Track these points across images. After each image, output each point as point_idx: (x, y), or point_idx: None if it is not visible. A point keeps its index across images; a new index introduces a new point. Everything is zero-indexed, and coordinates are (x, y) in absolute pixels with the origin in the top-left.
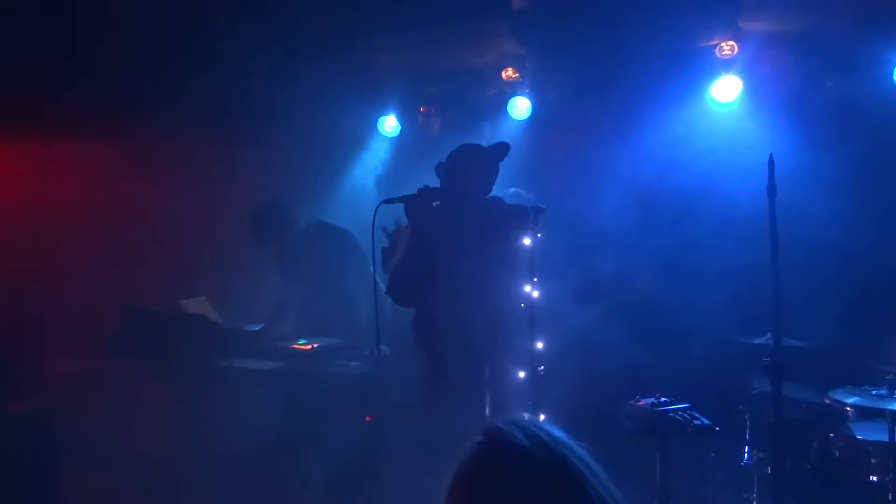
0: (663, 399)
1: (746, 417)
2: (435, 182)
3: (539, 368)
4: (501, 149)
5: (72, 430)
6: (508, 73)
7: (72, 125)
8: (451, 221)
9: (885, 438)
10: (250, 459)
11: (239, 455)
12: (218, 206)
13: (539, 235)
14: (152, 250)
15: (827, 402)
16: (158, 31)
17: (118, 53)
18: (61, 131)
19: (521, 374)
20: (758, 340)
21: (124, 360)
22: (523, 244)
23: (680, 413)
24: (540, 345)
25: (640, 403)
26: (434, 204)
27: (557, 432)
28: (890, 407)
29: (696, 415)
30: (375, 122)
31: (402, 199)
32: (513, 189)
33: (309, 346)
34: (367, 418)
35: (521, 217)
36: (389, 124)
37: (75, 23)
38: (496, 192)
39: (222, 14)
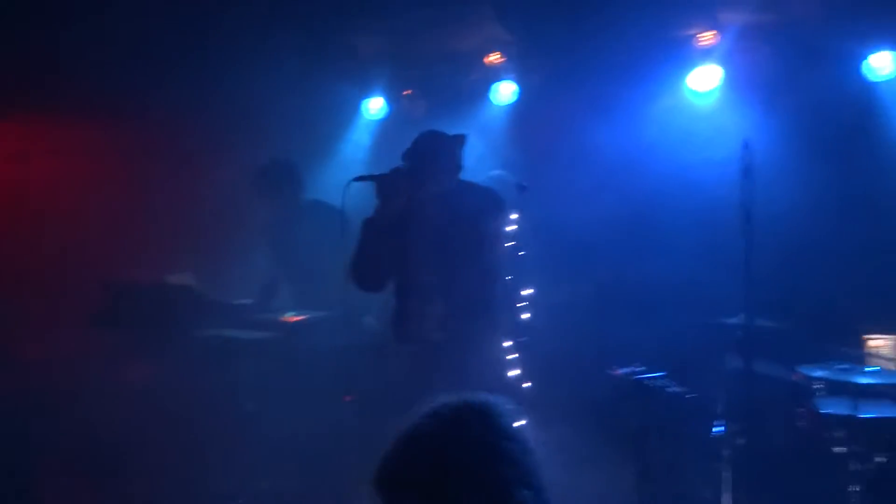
0: (640, 369)
1: (720, 392)
2: None
3: (521, 339)
4: (460, 138)
5: (58, 408)
6: (491, 59)
7: (56, 105)
8: (422, 203)
9: (847, 412)
10: (229, 430)
11: (218, 426)
12: (203, 186)
13: (522, 212)
14: (137, 230)
15: (795, 378)
16: (144, 12)
17: (102, 32)
18: (45, 111)
19: (505, 345)
20: (732, 320)
21: (109, 336)
22: (499, 223)
23: (655, 381)
24: (525, 316)
25: (618, 372)
26: (404, 185)
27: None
28: (853, 380)
29: (671, 383)
30: (359, 104)
31: (373, 177)
32: (496, 171)
33: (295, 318)
34: (347, 398)
35: (490, 198)
36: (374, 106)
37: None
38: (479, 174)
39: None
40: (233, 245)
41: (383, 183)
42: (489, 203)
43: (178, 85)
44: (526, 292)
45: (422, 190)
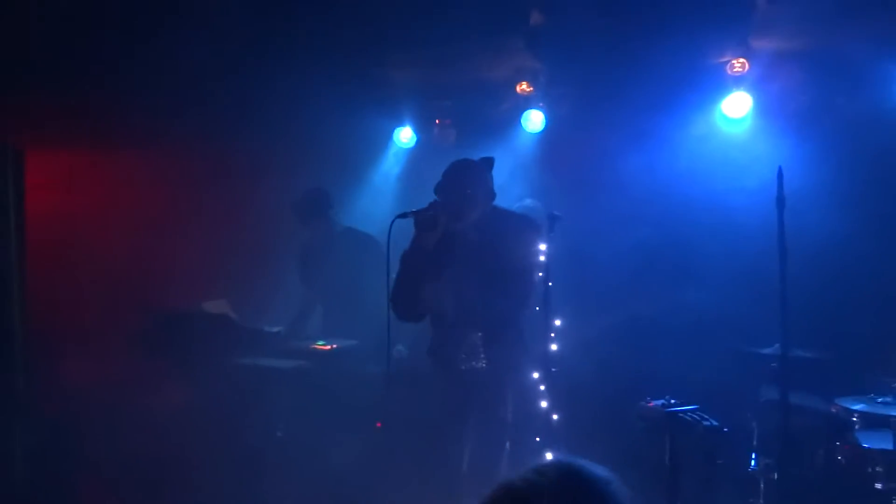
0: (673, 401)
1: (754, 424)
2: None
3: (552, 370)
4: (489, 160)
5: (97, 431)
6: (523, 87)
7: (96, 134)
8: (458, 233)
9: (891, 446)
10: (264, 457)
11: (254, 452)
12: (239, 214)
13: (553, 242)
14: (173, 255)
15: (834, 410)
16: (185, 42)
17: (144, 62)
18: (87, 140)
19: (535, 376)
20: (766, 350)
21: (148, 361)
22: (534, 251)
23: (689, 413)
24: (554, 347)
25: (651, 404)
26: (442, 218)
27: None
28: (894, 413)
29: (705, 416)
30: (391, 133)
31: (414, 213)
32: (527, 200)
33: (328, 347)
34: (378, 424)
35: (528, 226)
36: (405, 136)
37: (103, 33)
38: (510, 203)
39: (249, 28)
40: (267, 273)
41: (421, 217)
42: (524, 229)
43: (219, 116)
44: (556, 322)
45: (458, 220)
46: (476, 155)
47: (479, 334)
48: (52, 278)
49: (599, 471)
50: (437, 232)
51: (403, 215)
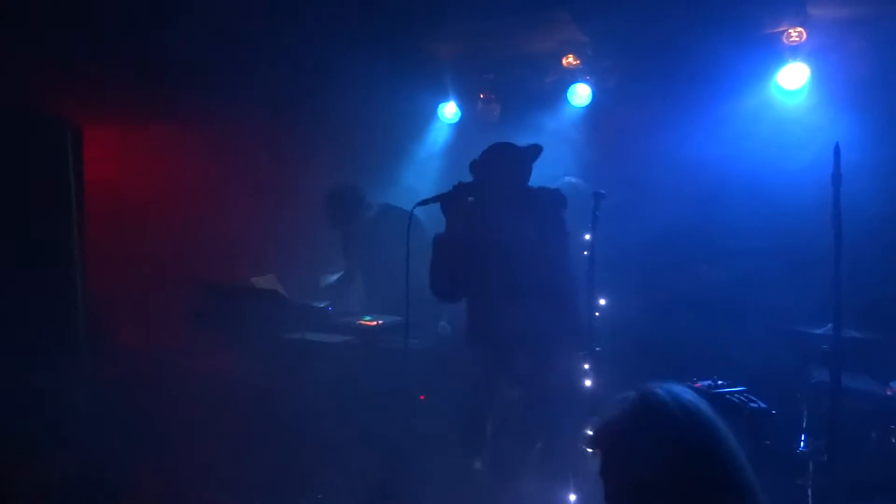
0: (720, 382)
1: (804, 406)
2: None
3: (596, 349)
4: (534, 150)
5: (152, 398)
6: (569, 60)
7: (153, 109)
8: (486, 216)
9: None
10: (311, 430)
11: (298, 426)
12: (289, 189)
13: (599, 220)
14: (223, 230)
15: (889, 393)
16: (232, 18)
17: (193, 40)
18: (143, 115)
19: (580, 355)
20: (818, 330)
21: (201, 334)
22: (566, 228)
23: (736, 395)
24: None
25: (697, 385)
26: (469, 199)
27: (707, 409)
28: None
29: (753, 398)
30: (436, 108)
31: (437, 198)
32: (567, 178)
33: (374, 323)
34: (422, 397)
35: (551, 198)
36: (449, 111)
37: (150, 11)
38: (552, 180)
39: (297, 3)
40: (315, 249)
41: (446, 201)
42: (550, 202)
43: (265, 94)
44: (600, 301)
45: (487, 201)
46: (521, 130)
47: (511, 311)
48: (109, 249)
49: (681, 397)
50: (464, 214)
51: (424, 202)
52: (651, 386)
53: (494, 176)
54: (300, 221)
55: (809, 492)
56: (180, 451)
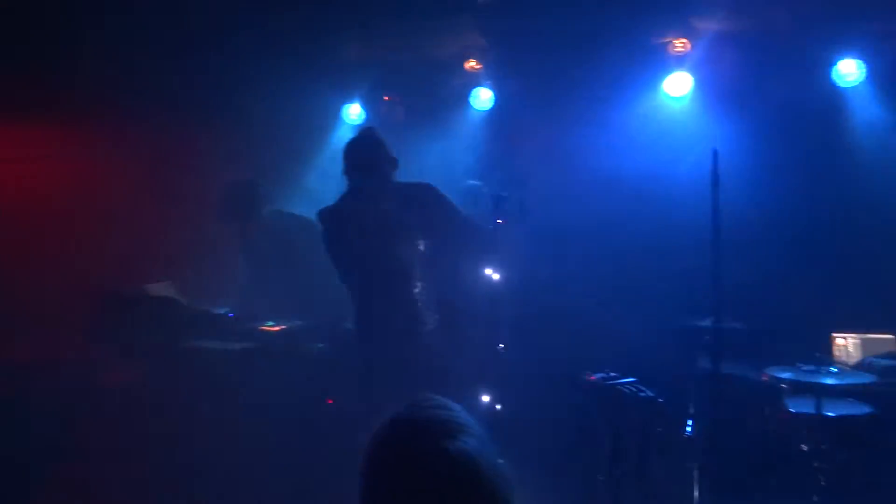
0: (612, 374)
1: (691, 394)
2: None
3: (499, 347)
4: (372, 138)
5: (48, 410)
6: (471, 64)
7: (37, 111)
8: (357, 211)
9: (814, 411)
10: (216, 440)
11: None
12: (182, 193)
13: (500, 222)
14: (117, 237)
15: (764, 378)
16: (126, 18)
17: (83, 40)
18: (26, 117)
19: (479, 354)
20: (703, 323)
21: (97, 344)
22: (430, 213)
23: (627, 386)
24: (500, 326)
25: (591, 378)
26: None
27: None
28: (818, 381)
29: (643, 388)
30: (340, 110)
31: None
32: (471, 181)
33: (277, 328)
34: (329, 401)
35: (414, 191)
36: (354, 112)
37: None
38: (454, 183)
39: (200, 4)
40: (212, 253)
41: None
42: (413, 196)
43: (158, 94)
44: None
45: (357, 200)
46: (424, 133)
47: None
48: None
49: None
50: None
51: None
52: (406, 412)
53: (354, 172)
54: (197, 225)
55: (695, 473)
56: (75, 466)
